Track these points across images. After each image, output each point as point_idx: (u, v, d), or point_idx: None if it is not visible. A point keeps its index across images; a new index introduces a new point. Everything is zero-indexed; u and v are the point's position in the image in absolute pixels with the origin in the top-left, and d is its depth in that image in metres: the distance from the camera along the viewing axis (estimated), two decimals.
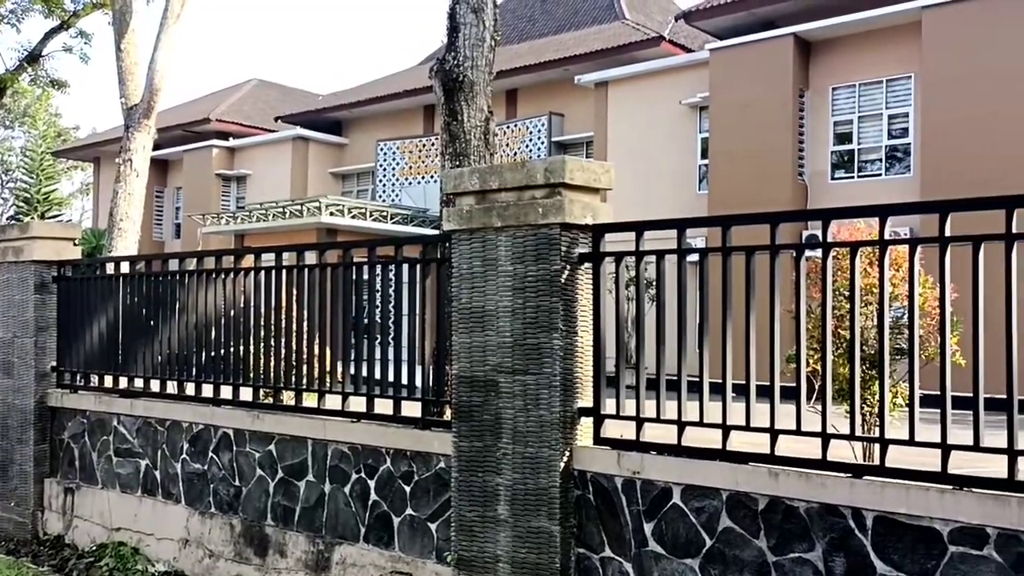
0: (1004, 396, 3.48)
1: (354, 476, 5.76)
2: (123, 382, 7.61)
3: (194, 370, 7.06)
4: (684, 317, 4.52)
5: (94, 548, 7.31)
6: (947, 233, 3.65)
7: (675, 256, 4.51)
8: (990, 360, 3.55)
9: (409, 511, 5.44)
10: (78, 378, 8.02)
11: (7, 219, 44.74)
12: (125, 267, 8.03)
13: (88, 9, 20.39)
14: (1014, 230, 3.48)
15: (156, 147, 14.42)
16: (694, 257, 4.65)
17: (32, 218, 34.25)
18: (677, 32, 21.80)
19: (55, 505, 7.90)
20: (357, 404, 5.89)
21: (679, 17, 20.78)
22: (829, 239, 4.19)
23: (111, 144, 33.39)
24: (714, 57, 18.20)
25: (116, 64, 11.95)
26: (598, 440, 4.69)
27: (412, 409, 5.62)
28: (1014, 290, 3.48)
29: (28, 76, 22.05)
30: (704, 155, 18.82)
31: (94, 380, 7.89)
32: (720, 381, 4.29)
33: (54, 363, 8.16)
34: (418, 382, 5.75)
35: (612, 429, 4.72)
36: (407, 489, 5.46)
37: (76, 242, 8.48)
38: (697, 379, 4.40)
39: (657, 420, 4.54)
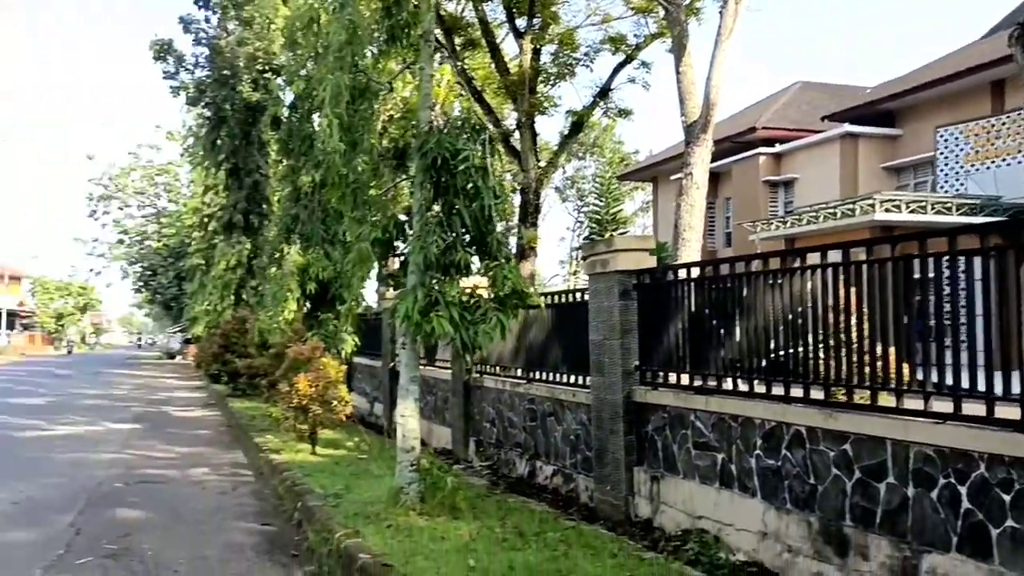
0: None
1: (941, 481, 5.40)
2: (697, 380, 8.15)
3: (762, 369, 7.28)
4: None
5: (679, 533, 7.93)
6: None
7: None
8: None
9: (1010, 522, 4.93)
10: (658, 376, 8.79)
11: (583, 240, 50.82)
12: (691, 274, 8.59)
13: (648, 40, 22.41)
14: None
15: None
16: None
17: (608, 236, 38.32)
18: None
19: (643, 491, 8.74)
20: (936, 406, 5.53)
21: None
22: None
23: (666, 163, 35.97)
24: None
25: (676, 86, 12.91)
26: None
27: (1007, 412, 5.10)
28: None
29: (600, 110, 24.90)
30: None
31: (672, 378, 8.59)
32: None
33: (636, 362, 9.03)
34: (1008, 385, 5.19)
35: None
36: (1006, 499, 4.96)
37: (651, 252, 9.30)
38: None
39: None
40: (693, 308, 8.33)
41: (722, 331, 7.87)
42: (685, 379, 8.35)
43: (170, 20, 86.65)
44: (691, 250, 12.83)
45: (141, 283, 71.42)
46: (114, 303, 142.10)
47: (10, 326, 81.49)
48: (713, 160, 13.39)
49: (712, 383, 7.93)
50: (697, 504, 7.87)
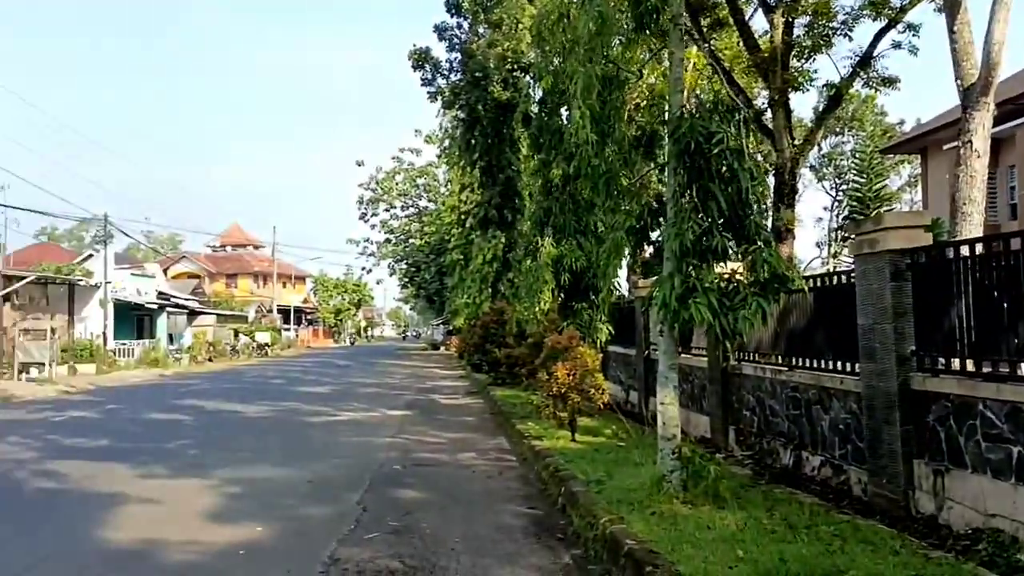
0: None
1: None
2: (985, 366, 7.44)
3: None
4: None
5: (969, 531, 7.29)
6: None
7: None
8: None
9: None
10: (937, 362, 8.13)
11: (842, 219, 48.09)
12: (976, 251, 7.85)
13: (914, 1, 20.68)
14: None
15: None
16: None
17: (875, 213, 36.06)
18: None
19: (924, 485, 8.12)
20: None
21: None
22: None
23: (936, 133, 33.11)
24: None
25: (949, 47, 11.82)
26: None
27: None
28: None
29: (860, 80, 23.35)
30: None
31: (954, 364, 7.91)
32: None
33: (912, 347, 8.40)
34: None
35: None
36: None
37: (926, 229, 8.61)
38: None
39: None
40: (980, 288, 7.62)
41: (1016, 312, 7.13)
42: (970, 365, 7.66)
43: (425, 28, 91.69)
44: (972, 225, 11.72)
45: (407, 279, 76.61)
46: (383, 298, 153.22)
47: (297, 321, 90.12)
48: (993, 125, 12.11)
49: (1004, 369, 7.21)
50: (990, 501, 7.19)
